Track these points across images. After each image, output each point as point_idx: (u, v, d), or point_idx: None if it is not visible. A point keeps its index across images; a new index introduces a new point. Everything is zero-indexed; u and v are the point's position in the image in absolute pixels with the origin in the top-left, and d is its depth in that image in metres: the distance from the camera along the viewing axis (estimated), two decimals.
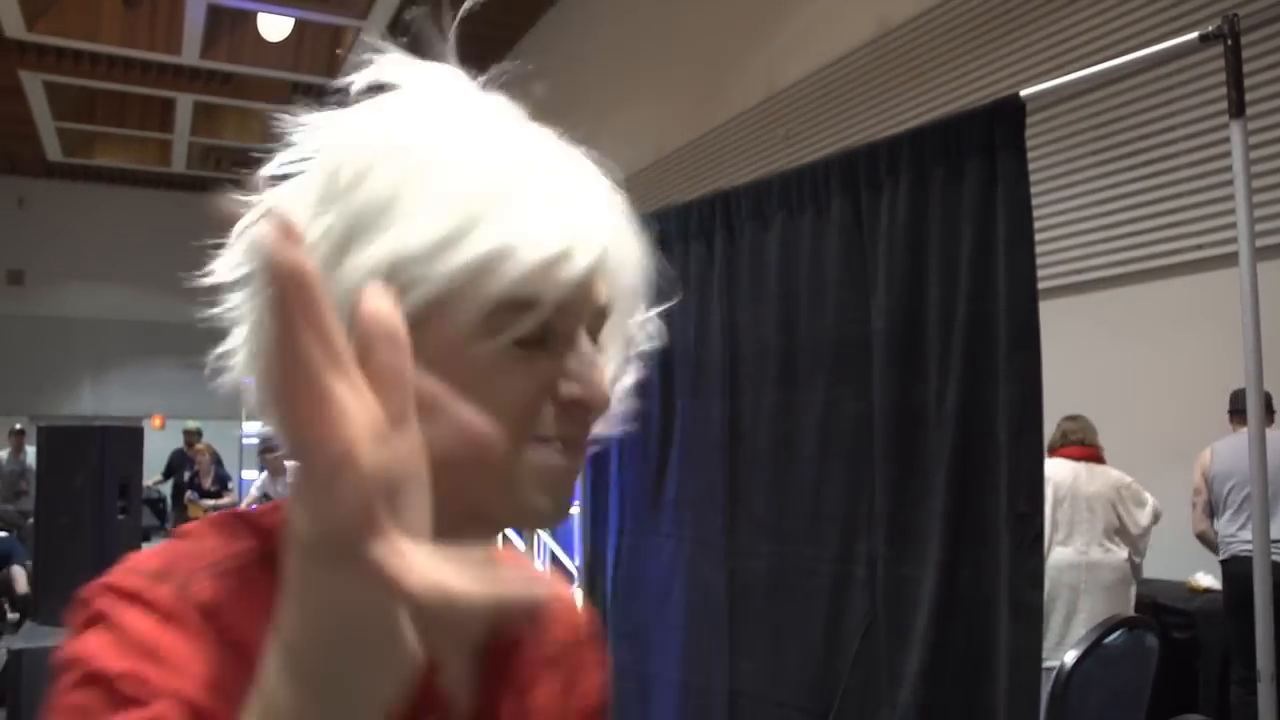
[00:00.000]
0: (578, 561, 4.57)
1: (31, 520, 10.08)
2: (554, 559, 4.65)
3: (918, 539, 3.37)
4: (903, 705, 3.34)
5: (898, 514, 3.43)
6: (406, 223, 0.65)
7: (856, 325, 3.58)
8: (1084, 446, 4.50)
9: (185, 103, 14.57)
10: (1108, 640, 3.41)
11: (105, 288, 18.54)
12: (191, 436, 11.39)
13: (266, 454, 9.53)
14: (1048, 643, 3.21)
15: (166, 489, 11.40)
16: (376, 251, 0.65)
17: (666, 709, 4.22)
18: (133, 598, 0.62)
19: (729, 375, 4.01)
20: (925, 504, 3.34)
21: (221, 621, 0.63)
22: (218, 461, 11.10)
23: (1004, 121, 3.19)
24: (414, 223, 0.65)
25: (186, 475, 10.96)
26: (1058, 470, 4.33)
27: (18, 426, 10.21)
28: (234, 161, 17.19)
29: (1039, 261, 3.15)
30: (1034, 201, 3.16)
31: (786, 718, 3.76)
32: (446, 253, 0.64)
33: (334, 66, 12.89)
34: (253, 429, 13.19)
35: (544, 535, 4.56)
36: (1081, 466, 4.47)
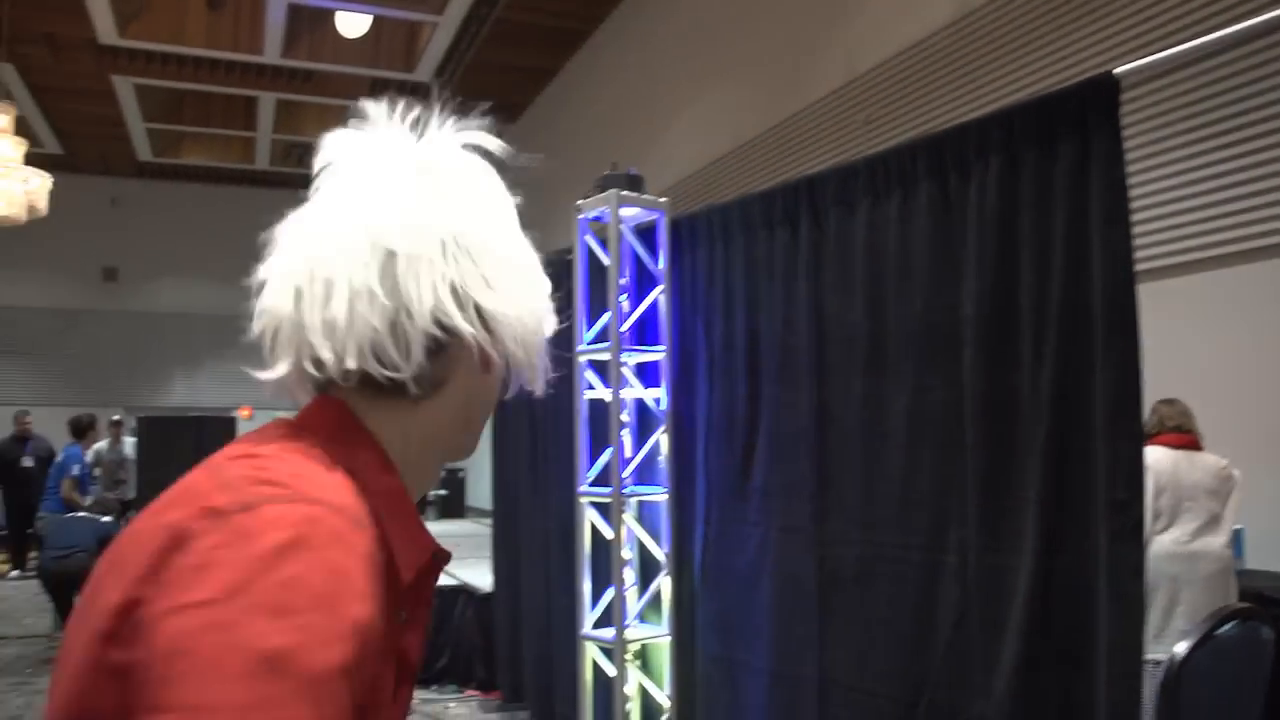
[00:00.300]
0: (665, 549, 4.56)
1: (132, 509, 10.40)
2: (642, 546, 4.66)
3: (1011, 528, 3.32)
4: (997, 695, 3.29)
5: (990, 502, 3.38)
6: (499, 293, 0.96)
7: (946, 311, 3.53)
8: (1182, 433, 4.38)
9: (268, 101, 14.85)
10: (1219, 632, 3.31)
11: (194, 282, 18.99)
12: None
13: None
14: (1146, 635, 3.13)
15: None
16: (444, 308, 0.92)
17: (755, 697, 4.21)
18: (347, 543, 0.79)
19: (816, 363, 3.98)
20: (1019, 492, 3.29)
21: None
22: None
23: (1097, 100, 3.12)
24: (502, 294, 0.96)
25: None
26: (1157, 458, 4.22)
27: (116, 417, 10.52)
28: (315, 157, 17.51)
29: (1133, 244, 3.08)
30: (1128, 182, 3.09)
31: (877, 707, 3.73)
32: (524, 319, 0.99)
33: (411, 61, 13.04)
34: None
35: (632, 524, 4.57)
36: (1181, 455, 4.35)
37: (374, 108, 1.04)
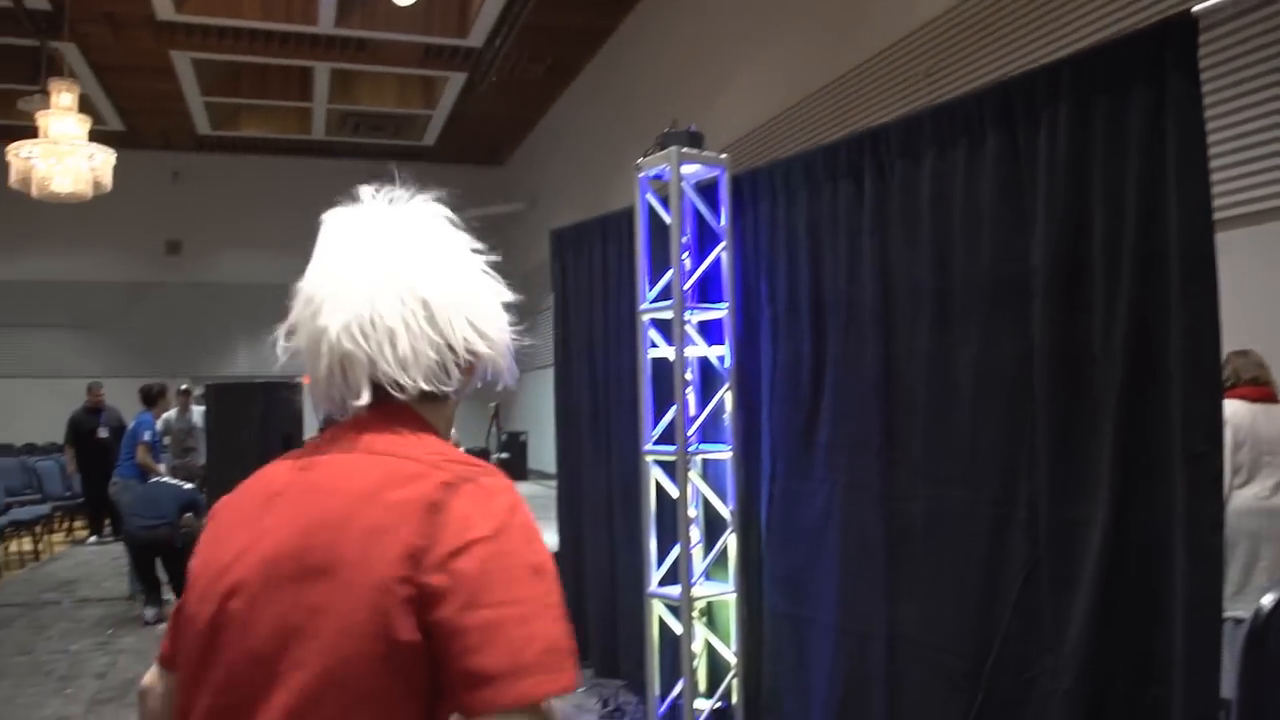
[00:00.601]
0: (731, 507, 4.57)
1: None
2: (707, 504, 4.66)
3: (1083, 481, 3.27)
4: (1068, 650, 3.26)
5: (1062, 456, 3.33)
6: (493, 320, 1.35)
7: (1014, 263, 3.47)
8: (1258, 385, 4.28)
9: (323, 71, 14.96)
10: None
11: (255, 252, 19.26)
12: None
13: None
14: (1225, 592, 3.07)
15: None
16: (469, 338, 1.29)
17: (822, 653, 4.21)
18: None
19: (882, 317, 3.94)
20: (1091, 445, 3.23)
21: None
22: None
23: (1173, 42, 3.02)
24: (495, 321, 1.34)
25: None
26: (1235, 411, 4.12)
27: (184, 386, 10.71)
28: (370, 125, 17.61)
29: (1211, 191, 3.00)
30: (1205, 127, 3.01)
31: (944, 663, 3.71)
32: (506, 337, 1.35)
33: (464, 26, 13.03)
34: None
35: (697, 482, 4.57)
36: (1259, 407, 4.25)
37: (365, 190, 1.42)
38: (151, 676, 1.39)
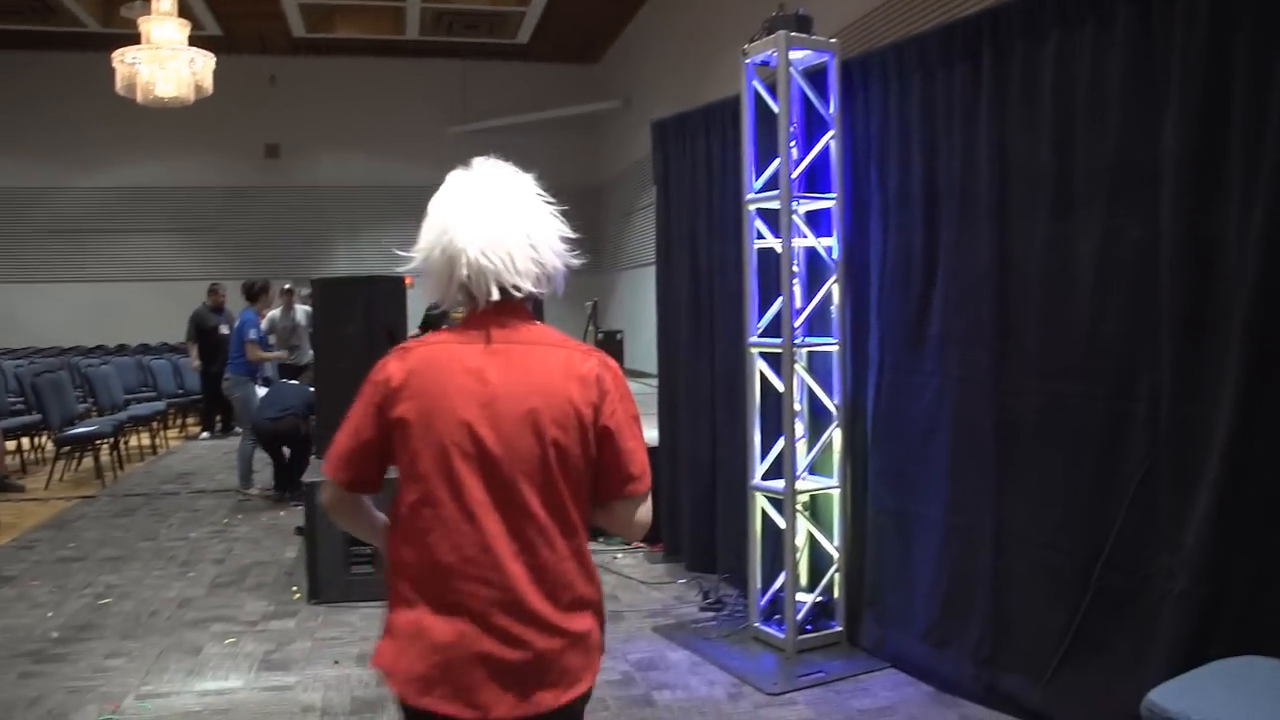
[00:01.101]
0: (836, 400, 4.52)
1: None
2: (812, 398, 4.63)
3: (1209, 377, 3.15)
4: (1185, 551, 3.18)
5: (1187, 349, 3.21)
6: (558, 252, 1.97)
7: (1144, 148, 3.32)
8: None
9: None
10: None
11: (352, 155, 19.47)
12: None
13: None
14: None
15: None
16: (553, 261, 1.95)
17: (927, 549, 4.18)
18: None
19: (998, 206, 3.81)
20: (1220, 340, 3.11)
21: None
22: None
23: None
24: (559, 255, 1.97)
25: (444, 327, 11.44)
26: None
27: (287, 286, 10.95)
28: (464, 24, 17.49)
29: None
30: None
31: (1054, 560, 3.66)
32: (561, 271, 1.98)
33: None
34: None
35: (803, 375, 4.53)
36: None
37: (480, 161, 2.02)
38: (337, 495, 2.02)
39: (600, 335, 14.54)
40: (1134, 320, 3.37)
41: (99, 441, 9.59)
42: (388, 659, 1.89)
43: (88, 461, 9.82)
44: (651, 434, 6.45)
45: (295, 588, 5.66)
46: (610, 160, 19.36)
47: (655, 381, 6.30)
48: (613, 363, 1.98)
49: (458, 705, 1.82)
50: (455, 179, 1.99)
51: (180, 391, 13.20)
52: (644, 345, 14.06)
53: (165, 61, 12.76)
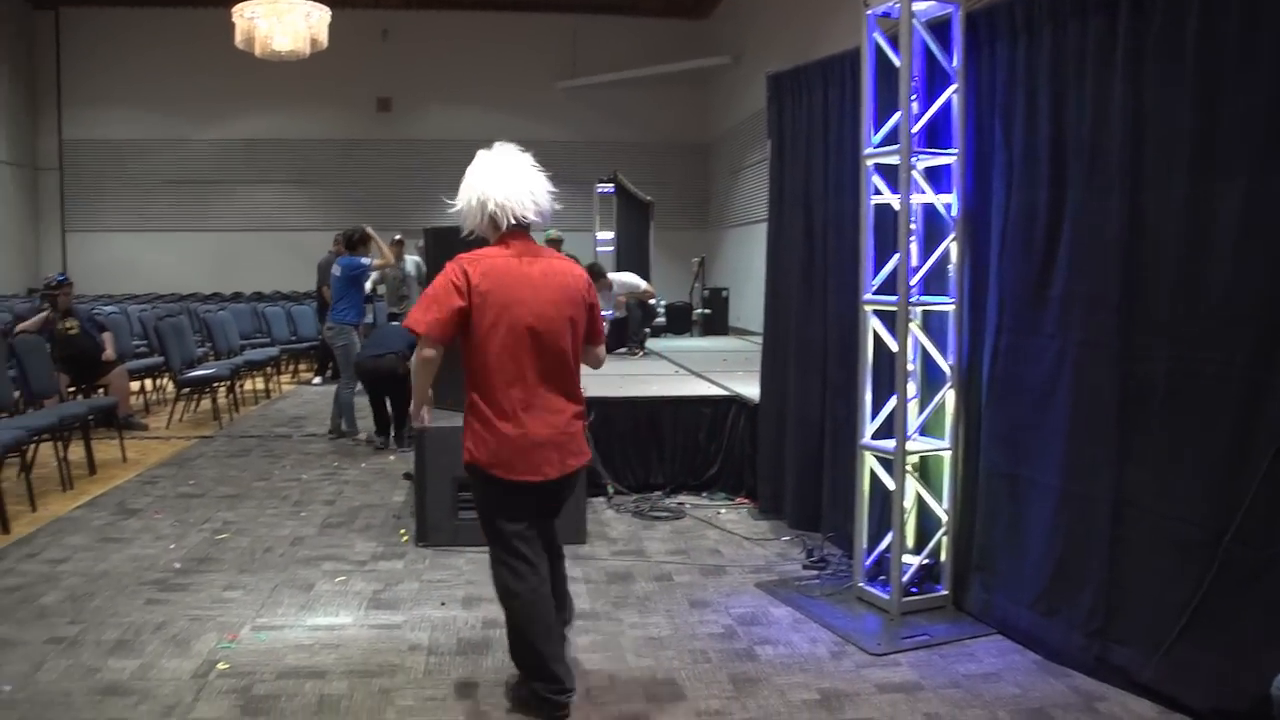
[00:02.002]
0: (951, 361, 4.42)
1: None
2: (926, 358, 4.54)
3: None
4: None
5: None
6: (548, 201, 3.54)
7: None
8: None
9: None
10: None
11: (462, 108, 19.64)
12: (555, 245, 11.84)
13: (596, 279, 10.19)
14: None
15: None
16: (546, 205, 3.52)
17: (1040, 514, 4.07)
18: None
19: (1131, 164, 3.66)
20: None
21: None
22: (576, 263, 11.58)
23: None
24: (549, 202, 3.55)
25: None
26: None
27: (397, 237, 11.13)
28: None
29: None
30: None
31: (1176, 531, 3.53)
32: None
33: None
34: (605, 236, 13.77)
35: (918, 334, 4.44)
36: None
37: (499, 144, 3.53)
38: (436, 350, 3.36)
39: (706, 292, 14.48)
40: (1276, 287, 3.22)
41: (216, 384, 9.94)
42: (485, 456, 3.41)
43: (205, 403, 10.16)
44: (753, 390, 6.43)
45: (403, 530, 5.79)
46: (718, 117, 19.20)
47: (759, 339, 6.26)
48: (581, 266, 3.80)
49: (528, 475, 3.41)
50: (482, 154, 3.53)
51: (293, 338, 13.55)
52: (749, 303, 13.99)
53: (283, 15, 13.03)
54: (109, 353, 9.38)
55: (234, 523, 6.02)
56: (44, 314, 9.21)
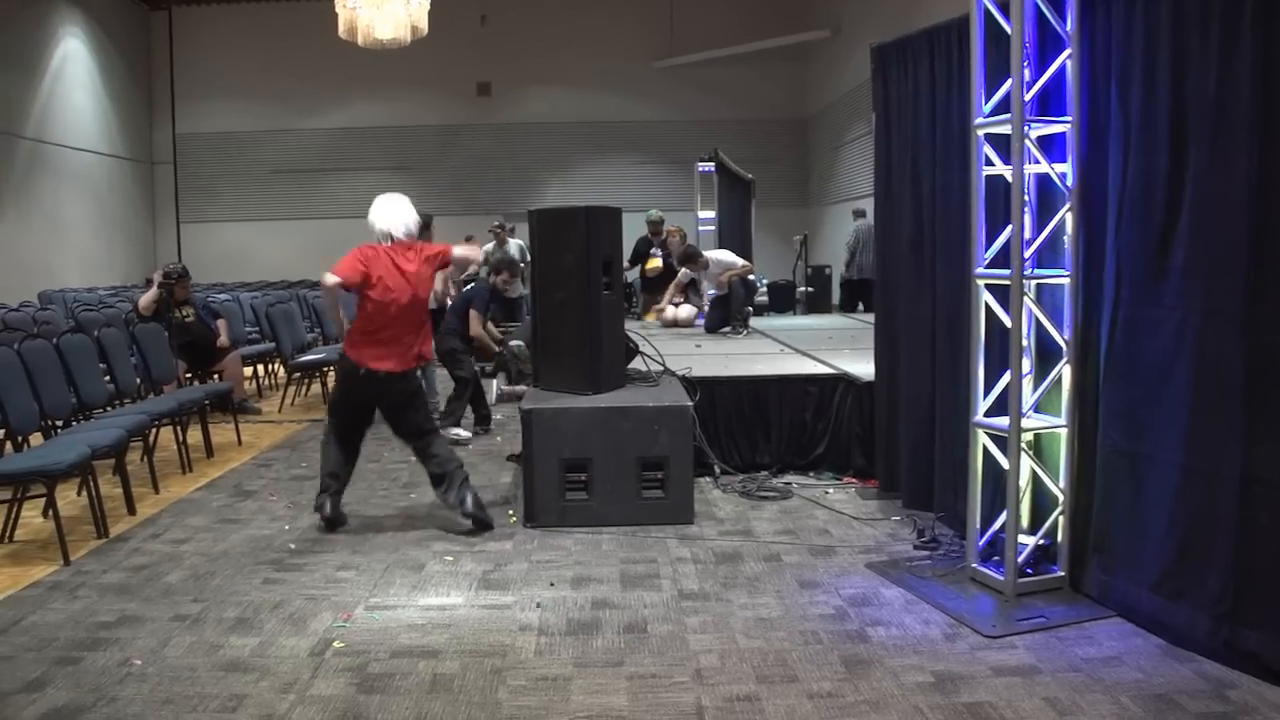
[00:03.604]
0: (1066, 335, 4.28)
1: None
2: (1041, 332, 4.40)
3: None
4: None
5: None
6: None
7: None
8: None
9: None
10: None
11: (561, 92, 19.79)
12: (656, 226, 11.86)
13: (690, 261, 10.15)
14: None
15: (633, 275, 11.87)
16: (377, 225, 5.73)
17: (1162, 492, 3.92)
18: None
19: (1261, 124, 3.47)
20: None
21: None
22: (686, 241, 11.56)
23: None
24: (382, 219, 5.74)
25: (660, 255, 11.51)
26: None
27: (499, 222, 11.24)
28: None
29: None
30: None
31: None
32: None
33: None
34: (706, 215, 13.73)
35: (1033, 308, 4.31)
36: None
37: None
38: (339, 289, 5.42)
39: (809, 270, 14.33)
40: None
41: (326, 368, 10.16)
42: (370, 361, 5.47)
43: (315, 387, 10.41)
44: (867, 368, 6.34)
45: (511, 511, 5.86)
46: (817, 92, 18.96)
47: (863, 316, 6.15)
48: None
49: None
50: (379, 198, 5.78)
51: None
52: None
53: (383, 4, 13.23)
54: (223, 339, 9.69)
55: (345, 503, 6.15)
56: (154, 290, 9.42)
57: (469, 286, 8.26)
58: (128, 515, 5.95)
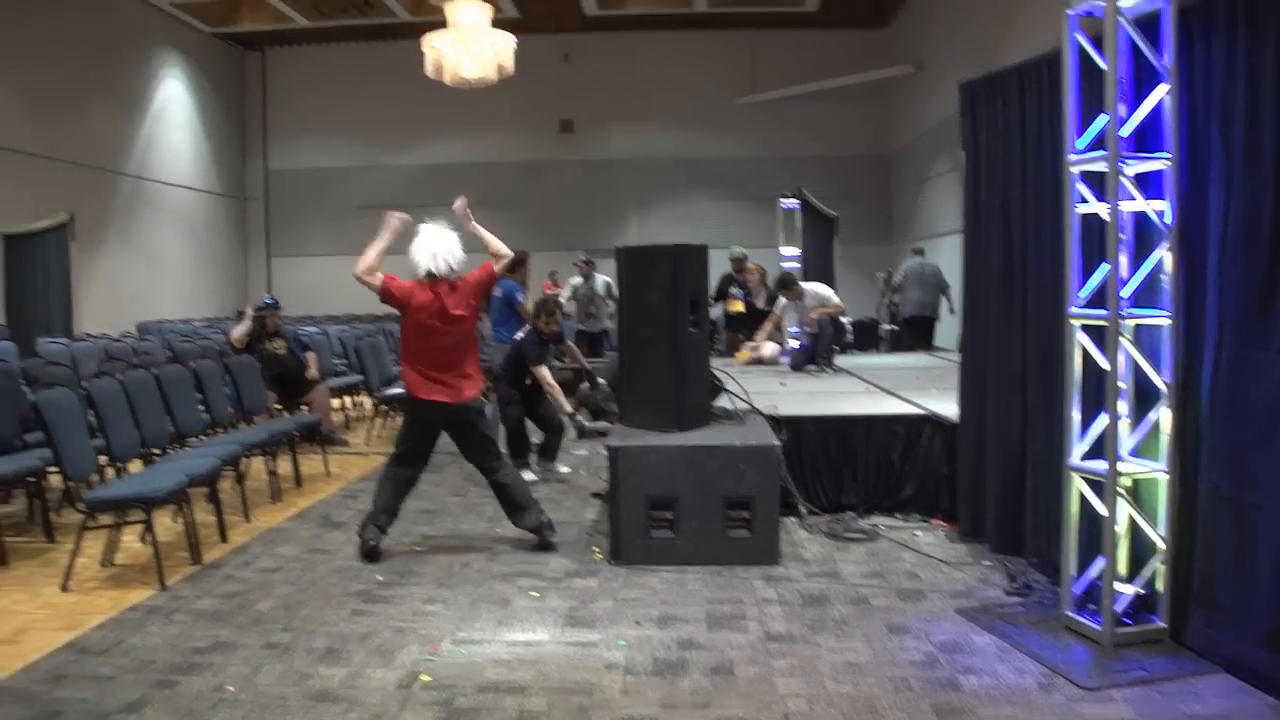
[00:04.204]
0: (1167, 378, 4.16)
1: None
2: (1138, 374, 4.29)
3: None
4: None
5: None
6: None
7: None
8: None
9: None
10: None
11: (644, 129, 19.96)
12: (739, 263, 11.85)
13: (786, 288, 10.03)
14: None
15: (717, 311, 11.84)
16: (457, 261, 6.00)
17: (1270, 541, 3.76)
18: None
19: None
20: None
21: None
22: (765, 280, 11.53)
23: None
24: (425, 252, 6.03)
25: (739, 293, 11.48)
26: None
27: (584, 257, 11.32)
28: None
29: None
30: None
31: None
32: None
33: None
34: (790, 252, 13.66)
35: (1130, 349, 4.20)
36: None
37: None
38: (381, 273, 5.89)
39: (894, 306, 14.15)
40: None
41: None
42: (420, 392, 5.84)
43: (401, 420, 10.53)
44: (947, 408, 6.23)
45: (596, 548, 5.86)
46: (899, 128, 18.84)
47: (950, 355, 6.05)
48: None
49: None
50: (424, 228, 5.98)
51: (484, 359, 13.91)
52: (940, 319, 13.63)
53: (470, 44, 13.47)
54: (313, 371, 9.87)
55: (432, 537, 6.23)
56: (246, 323, 9.69)
57: (518, 336, 8.21)
58: (220, 542, 6.09)
